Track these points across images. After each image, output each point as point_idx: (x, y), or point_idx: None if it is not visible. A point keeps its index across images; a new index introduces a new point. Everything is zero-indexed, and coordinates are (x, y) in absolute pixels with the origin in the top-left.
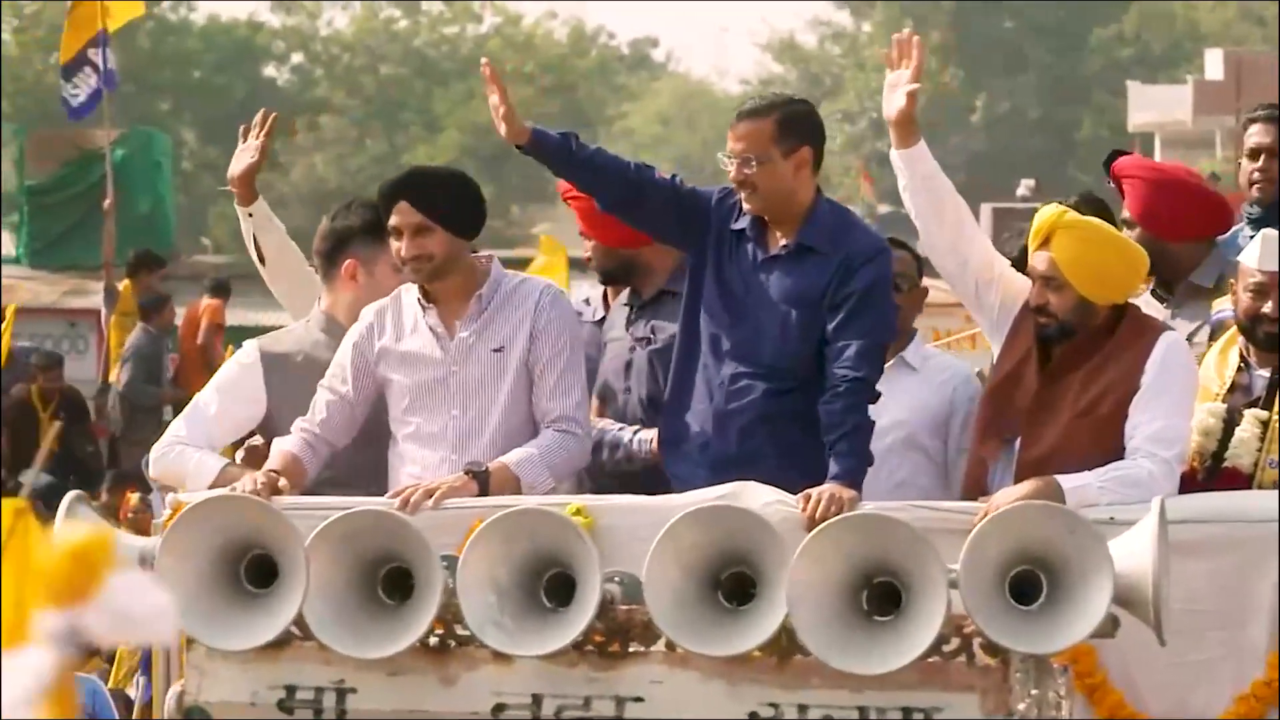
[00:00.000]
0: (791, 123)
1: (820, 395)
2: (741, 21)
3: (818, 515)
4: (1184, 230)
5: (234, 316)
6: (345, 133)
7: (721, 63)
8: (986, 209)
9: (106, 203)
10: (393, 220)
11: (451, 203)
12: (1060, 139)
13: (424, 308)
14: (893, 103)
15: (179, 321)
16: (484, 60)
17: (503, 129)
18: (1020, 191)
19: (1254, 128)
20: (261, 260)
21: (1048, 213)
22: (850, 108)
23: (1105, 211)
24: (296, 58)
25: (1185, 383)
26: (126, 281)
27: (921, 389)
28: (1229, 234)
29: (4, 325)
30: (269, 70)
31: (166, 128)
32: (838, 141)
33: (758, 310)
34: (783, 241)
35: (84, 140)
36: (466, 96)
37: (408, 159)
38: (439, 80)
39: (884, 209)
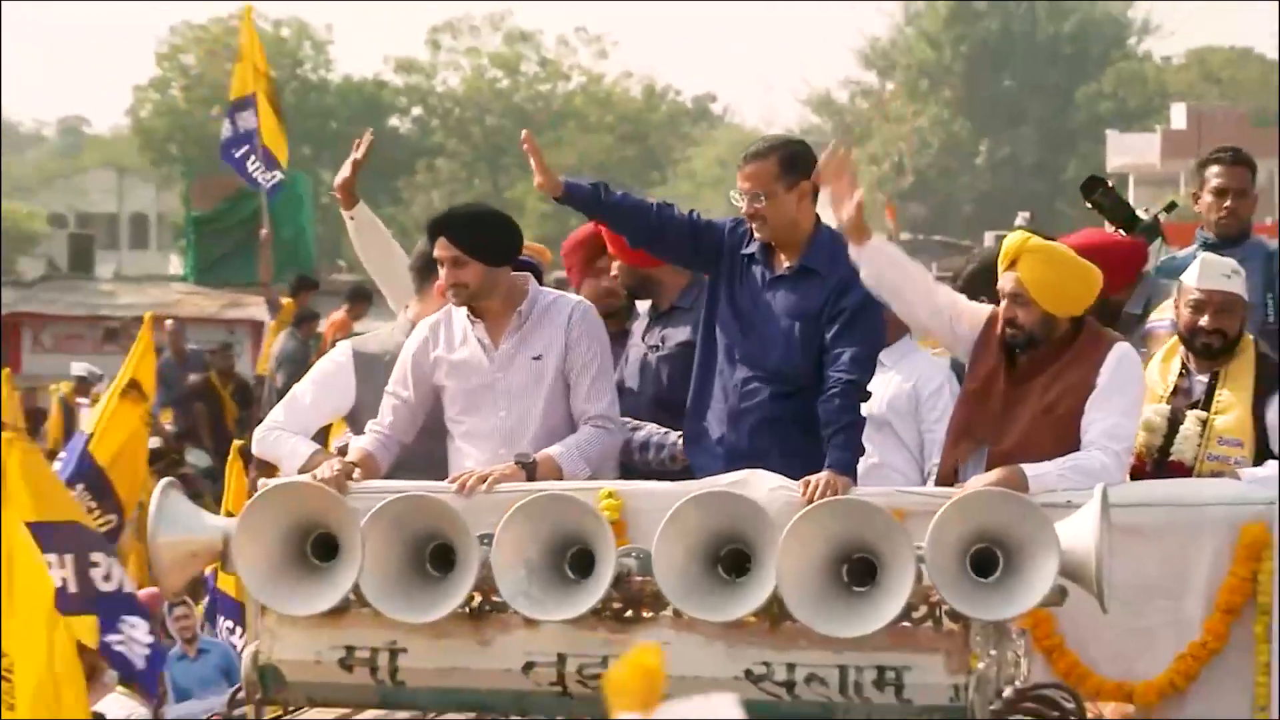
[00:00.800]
0: (792, 160)
1: (819, 396)
2: (786, 81)
3: (815, 498)
4: (1110, 289)
5: (364, 325)
6: (456, 173)
7: (769, 115)
8: (990, 236)
9: (263, 232)
10: (435, 252)
11: (484, 238)
12: (1051, 179)
13: (472, 322)
14: (842, 214)
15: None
16: (525, 132)
17: (540, 182)
18: (1017, 222)
19: (1216, 169)
20: (366, 256)
21: (1014, 239)
22: (876, 152)
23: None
24: (416, 110)
25: (1134, 386)
26: (289, 299)
27: (892, 384)
28: (1184, 254)
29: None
30: (393, 121)
31: (308, 169)
32: (865, 181)
33: (765, 324)
34: (787, 264)
35: (239, 181)
36: (556, 142)
37: (508, 195)
38: (534, 129)
39: (905, 236)
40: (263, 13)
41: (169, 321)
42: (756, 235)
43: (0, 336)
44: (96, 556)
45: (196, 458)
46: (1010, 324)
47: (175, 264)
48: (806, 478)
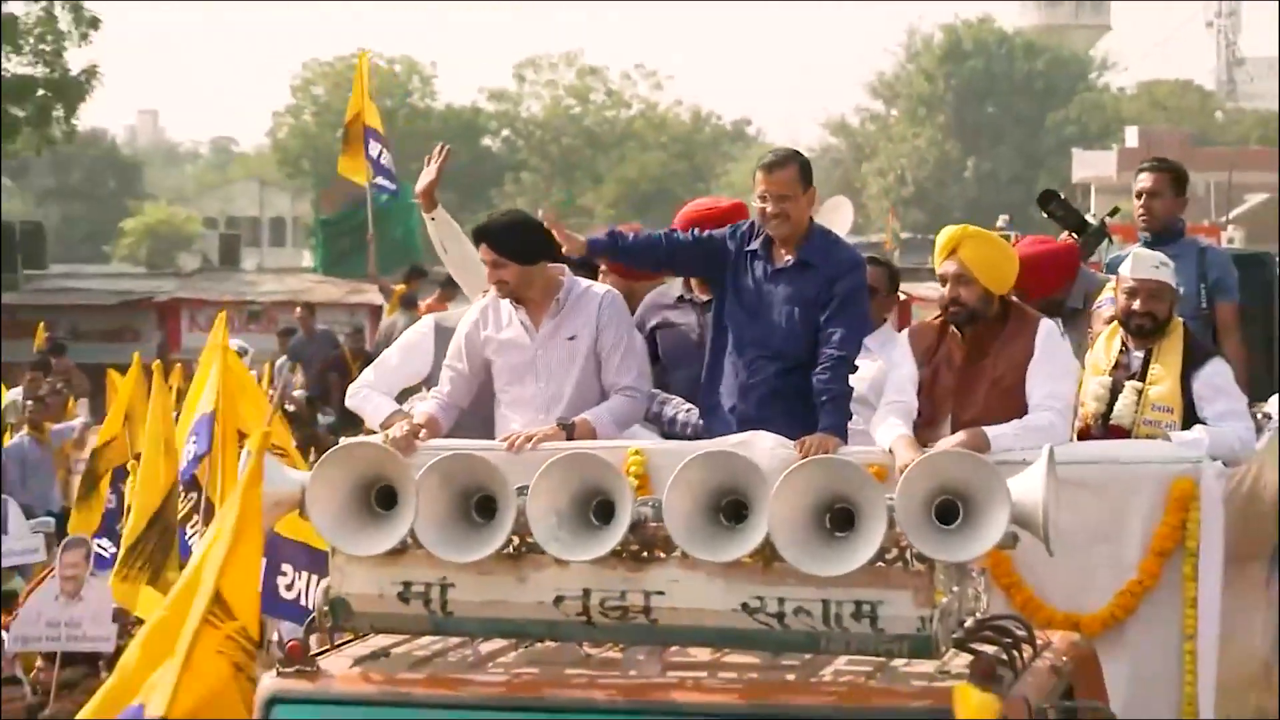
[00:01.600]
0: (806, 169)
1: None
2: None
3: (807, 455)
4: (1051, 288)
5: (455, 307)
6: (537, 185)
7: (794, 136)
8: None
9: (369, 235)
10: (479, 255)
11: (516, 242)
12: (1025, 190)
13: (516, 308)
14: None
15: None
16: (544, 211)
17: (567, 248)
18: (999, 224)
19: (1142, 175)
20: (445, 250)
21: (954, 230)
22: (883, 166)
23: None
24: (505, 133)
25: (1063, 354)
26: (402, 285)
27: (874, 367)
28: (1126, 251)
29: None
30: (485, 141)
31: (414, 179)
32: (873, 189)
33: (769, 310)
34: (787, 258)
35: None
36: (621, 160)
37: (580, 202)
38: (602, 149)
39: (905, 235)
40: (379, 51)
41: (299, 308)
42: (774, 232)
43: (165, 319)
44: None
45: (327, 418)
46: (954, 303)
47: (307, 258)
48: (802, 439)
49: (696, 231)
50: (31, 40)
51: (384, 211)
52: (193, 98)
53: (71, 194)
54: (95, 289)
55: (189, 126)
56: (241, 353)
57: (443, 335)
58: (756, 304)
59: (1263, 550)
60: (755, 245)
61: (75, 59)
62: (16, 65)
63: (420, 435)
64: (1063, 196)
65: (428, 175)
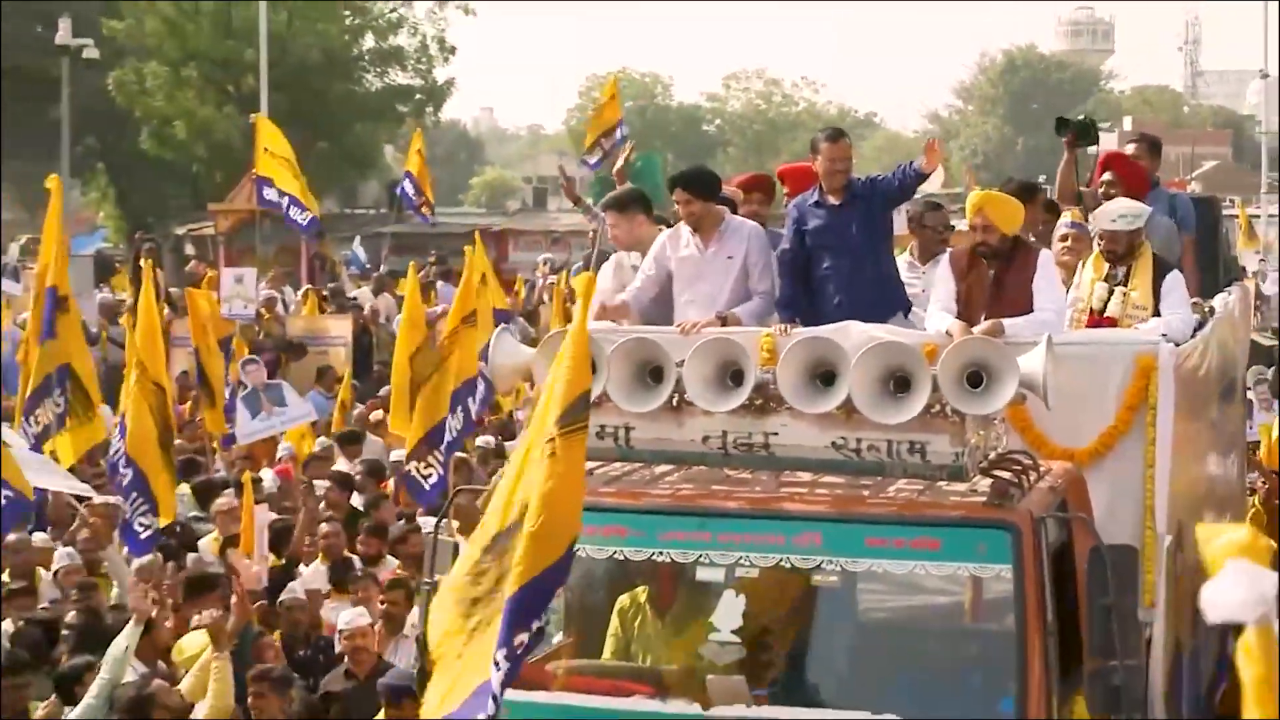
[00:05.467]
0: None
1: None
2: (912, 103)
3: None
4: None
5: None
6: (736, 157)
7: (905, 123)
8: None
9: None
10: (674, 195)
11: (700, 186)
12: (1057, 159)
13: (693, 234)
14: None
15: None
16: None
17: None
18: (1040, 179)
19: (1129, 145)
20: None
21: (979, 193)
22: (963, 144)
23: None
24: (716, 122)
25: (1054, 273)
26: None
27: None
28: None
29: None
30: (704, 127)
31: (660, 153)
32: (956, 159)
33: (839, 241)
34: (835, 202)
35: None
36: (793, 140)
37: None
38: (779, 132)
39: (977, 188)
40: (634, 66)
41: (590, 233)
42: (836, 186)
43: (500, 243)
44: None
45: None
46: (982, 244)
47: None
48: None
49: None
50: (412, 61)
51: (637, 172)
52: (515, 98)
53: (437, 163)
54: (454, 223)
55: (513, 116)
56: (545, 262)
57: (619, 268)
58: (825, 237)
59: (1205, 404)
60: (814, 198)
61: (440, 73)
62: (403, 78)
63: (620, 324)
64: (1068, 120)
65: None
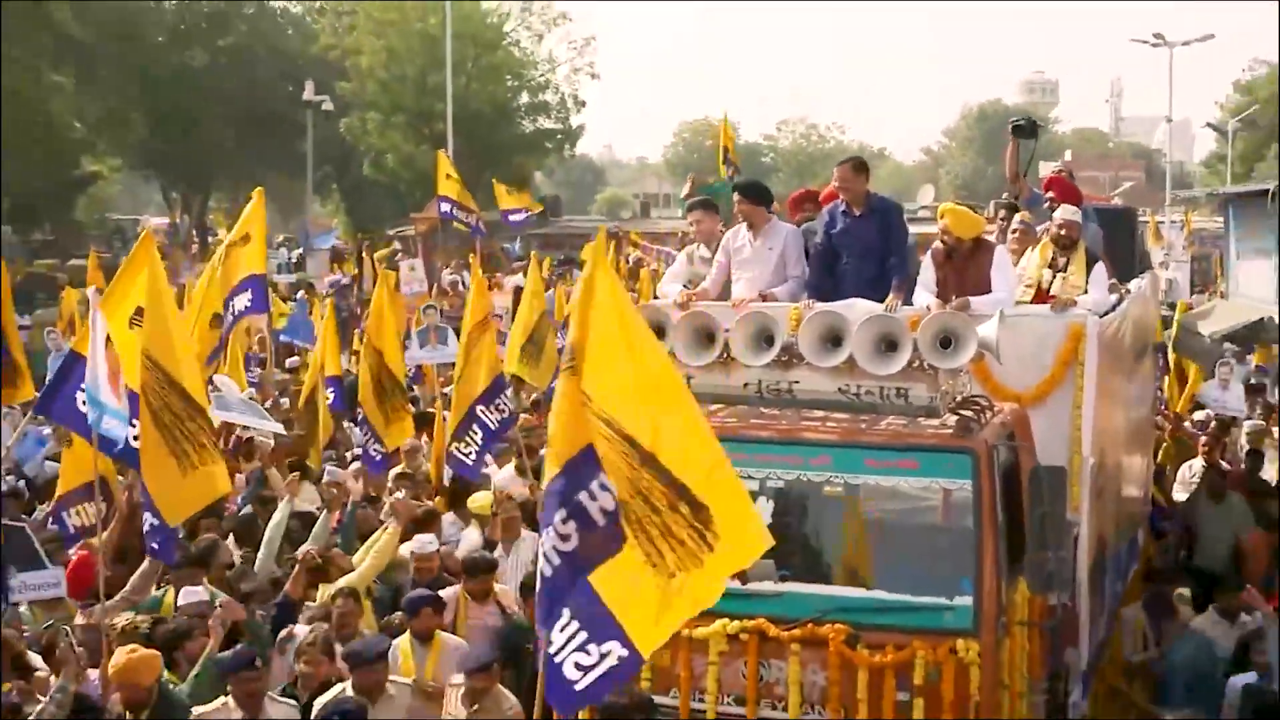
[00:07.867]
0: (863, 166)
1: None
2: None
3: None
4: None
5: None
6: (783, 180)
7: (906, 155)
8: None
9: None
10: (735, 198)
11: (754, 192)
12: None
13: (748, 231)
14: None
15: None
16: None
17: None
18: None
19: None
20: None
21: (943, 205)
22: (948, 170)
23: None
24: (769, 156)
25: (1008, 262)
26: None
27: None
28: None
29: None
30: (763, 159)
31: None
32: (944, 181)
33: (856, 244)
34: (858, 212)
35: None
36: (825, 168)
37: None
38: (815, 162)
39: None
40: (713, 114)
41: (681, 235)
42: (851, 199)
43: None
44: None
45: None
46: (946, 244)
47: (679, 213)
48: (886, 302)
49: (823, 236)
50: (555, 111)
51: (714, 189)
52: (628, 136)
53: (570, 185)
54: (584, 227)
55: (627, 149)
56: (619, 232)
57: (689, 257)
58: (846, 241)
59: (1122, 362)
60: (841, 209)
61: (575, 119)
62: (548, 124)
63: (691, 299)
64: (1019, 122)
65: None
